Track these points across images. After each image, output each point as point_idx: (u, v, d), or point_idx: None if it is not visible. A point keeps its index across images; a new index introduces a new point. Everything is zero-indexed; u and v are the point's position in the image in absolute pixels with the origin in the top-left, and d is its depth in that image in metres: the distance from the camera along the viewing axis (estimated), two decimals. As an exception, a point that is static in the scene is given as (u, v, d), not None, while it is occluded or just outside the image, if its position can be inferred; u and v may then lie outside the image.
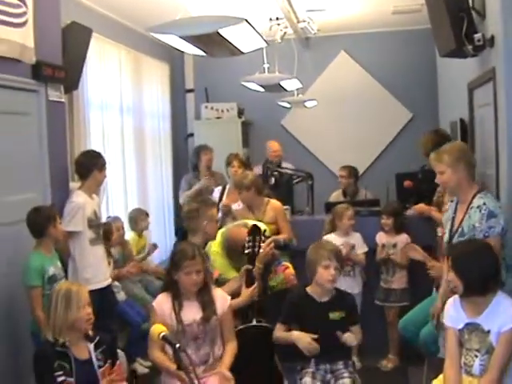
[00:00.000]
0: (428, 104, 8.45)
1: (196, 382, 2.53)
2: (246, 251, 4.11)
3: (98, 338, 3.31)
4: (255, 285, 4.04)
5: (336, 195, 7.26)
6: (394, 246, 5.42)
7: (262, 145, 8.45)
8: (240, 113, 8.79)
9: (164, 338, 2.71)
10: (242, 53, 3.54)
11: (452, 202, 3.96)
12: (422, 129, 8.12)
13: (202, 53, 3.51)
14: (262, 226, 4.52)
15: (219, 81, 8.77)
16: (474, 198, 3.71)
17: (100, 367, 3.26)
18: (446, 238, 3.88)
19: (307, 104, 7.89)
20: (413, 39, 8.35)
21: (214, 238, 4.51)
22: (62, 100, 5.14)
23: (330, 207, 6.03)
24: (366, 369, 5.01)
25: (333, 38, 8.62)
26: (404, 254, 5.23)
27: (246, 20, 2.93)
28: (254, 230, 4.18)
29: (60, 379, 3.09)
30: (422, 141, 5.55)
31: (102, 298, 4.71)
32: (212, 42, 3.14)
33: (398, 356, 5.36)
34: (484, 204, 3.61)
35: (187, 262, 3.57)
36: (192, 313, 3.61)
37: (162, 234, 8.15)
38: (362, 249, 5.49)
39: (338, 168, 7.66)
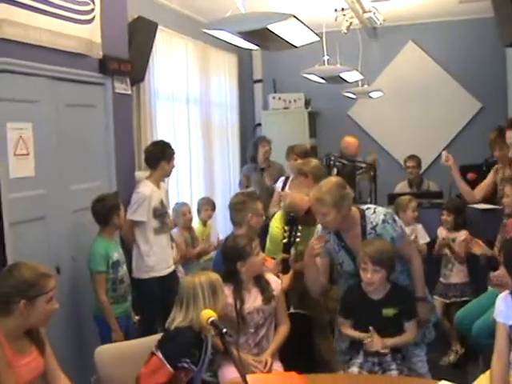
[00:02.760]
0: (497, 95, 8.23)
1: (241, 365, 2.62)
2: (284, 240, 4.23)
3: None
4: (291, 273, 4.15)
5: (401, 186, 7.22)
6: (453, 240, 5.39)
7: (328, 135, 8.48)
8: (307, 103, 8.84)
9: (212, 323, 2.80)
10: (295, 47, 3.60)
11: (329, 233, 3.75)
12: (491, 120, 7.96)
13: (255, 47, 3.60)
14: None
15: (287, 71, 8.78)
16: (362, 218, 3.66)
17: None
18: (350, 268, 3.72)
19: (372, 95, 7.85)
20: (481, 28, 8.11)
21: (258, 231, 4.61)
22: (129, 92, 5.32)
23: (393, 198, 6.02)
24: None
25: (400, 28, 8.53)
26: (463, 248, 5.19)
27: (294, 16, 2.99)
28: (291, 221, 4.27)
29: (181, 365, 3.13)
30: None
31: (164, 285, 4.95)
32: (264, 37, 3.21)
33: (459, 351, 5.30)
34: (384, 215, 3.64)
35: (254, 243, 3.80)
36: (251, 300, 3.75)
37: (228, 223, 8.27)
38: (423, 239, 5.50)
39: (403, 158, 7.60)
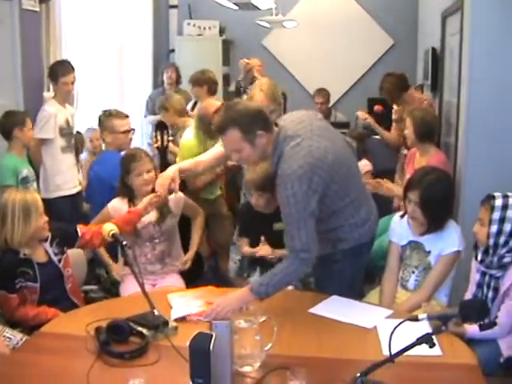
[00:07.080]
0: (409, 31, 8.35)
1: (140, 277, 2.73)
2: (155, 145, 4.56)
3: (49, 234, 3.38)
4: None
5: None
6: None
7: (242, 63, 8.46)
8: (221, 31, 8.77)
9: (113, 236, 2.90)
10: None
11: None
12: (402, 56, 8.18)
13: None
14: None
15: (202, -3, 8.69)
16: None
17: (60, 261, 3.37)
18: None
19: (286, 24, 7.79)
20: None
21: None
22: (37, 9, 5.18)
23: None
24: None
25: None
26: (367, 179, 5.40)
27: None
28: (160, 126, 4.60)
29: (19, 285, 3.18)
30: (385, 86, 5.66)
31: (72, 204, 5.03)
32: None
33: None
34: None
35: (135, 164, 3.87)
36: (147, 215, 3.82)
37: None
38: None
39: (314, 89, 7.75)
